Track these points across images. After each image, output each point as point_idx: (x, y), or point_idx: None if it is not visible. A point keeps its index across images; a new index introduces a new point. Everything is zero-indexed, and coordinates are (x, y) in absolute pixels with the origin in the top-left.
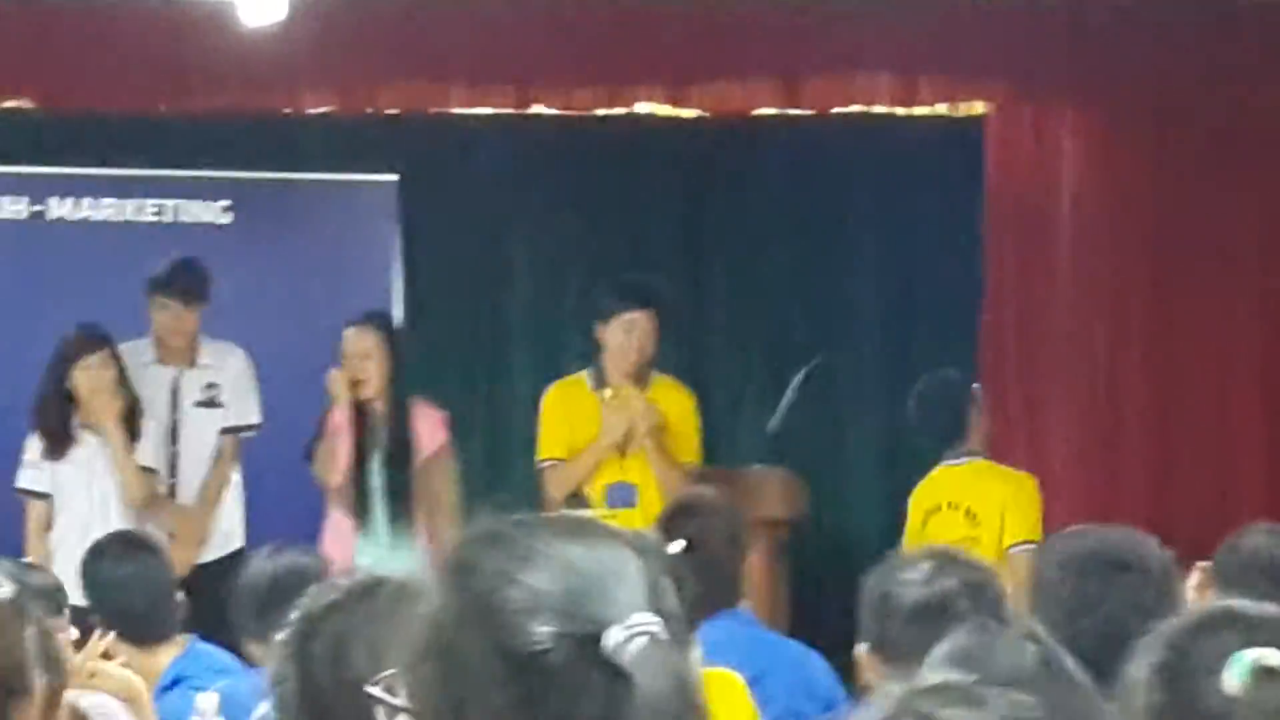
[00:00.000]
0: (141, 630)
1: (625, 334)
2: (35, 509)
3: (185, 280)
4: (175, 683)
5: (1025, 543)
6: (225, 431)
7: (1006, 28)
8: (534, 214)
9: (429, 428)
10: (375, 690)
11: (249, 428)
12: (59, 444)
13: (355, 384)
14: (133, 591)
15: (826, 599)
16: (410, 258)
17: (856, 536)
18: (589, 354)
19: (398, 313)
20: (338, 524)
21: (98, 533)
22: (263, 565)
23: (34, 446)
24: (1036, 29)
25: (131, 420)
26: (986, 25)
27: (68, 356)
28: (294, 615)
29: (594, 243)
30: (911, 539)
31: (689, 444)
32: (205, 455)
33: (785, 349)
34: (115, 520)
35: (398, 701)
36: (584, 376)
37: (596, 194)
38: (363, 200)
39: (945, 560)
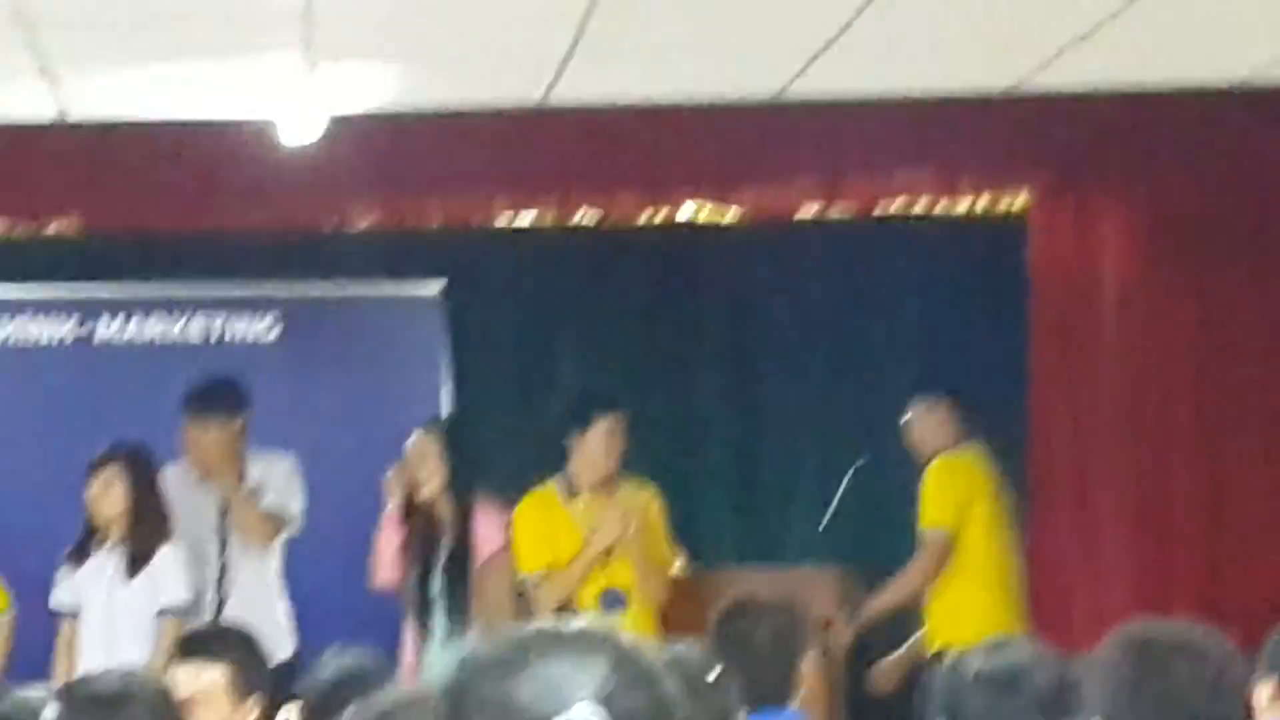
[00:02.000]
0: None
1: (608, 437)
2: (63, 627)
3: (209, 397)
4: None
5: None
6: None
7: (1047, 120)
8: (579, 320)
9: (491, 529)
10: None
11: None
12: (78, 558)
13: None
14: None
15: (884, 698)
16: (457, 366)
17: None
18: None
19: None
20: (410, 629)
21: (105, 644)
22: (328, 664)
23: (65, 565)
24: (1077, 120)
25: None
26: (1026, 118)
27: (87, 471)
28: None
29: (639, 347)
30: None
31: (661, 541)
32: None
33: (833, 449)
34: (124, 632)
35: None
36: (552, 487)
37: (641, 298)
38: (409, 311)
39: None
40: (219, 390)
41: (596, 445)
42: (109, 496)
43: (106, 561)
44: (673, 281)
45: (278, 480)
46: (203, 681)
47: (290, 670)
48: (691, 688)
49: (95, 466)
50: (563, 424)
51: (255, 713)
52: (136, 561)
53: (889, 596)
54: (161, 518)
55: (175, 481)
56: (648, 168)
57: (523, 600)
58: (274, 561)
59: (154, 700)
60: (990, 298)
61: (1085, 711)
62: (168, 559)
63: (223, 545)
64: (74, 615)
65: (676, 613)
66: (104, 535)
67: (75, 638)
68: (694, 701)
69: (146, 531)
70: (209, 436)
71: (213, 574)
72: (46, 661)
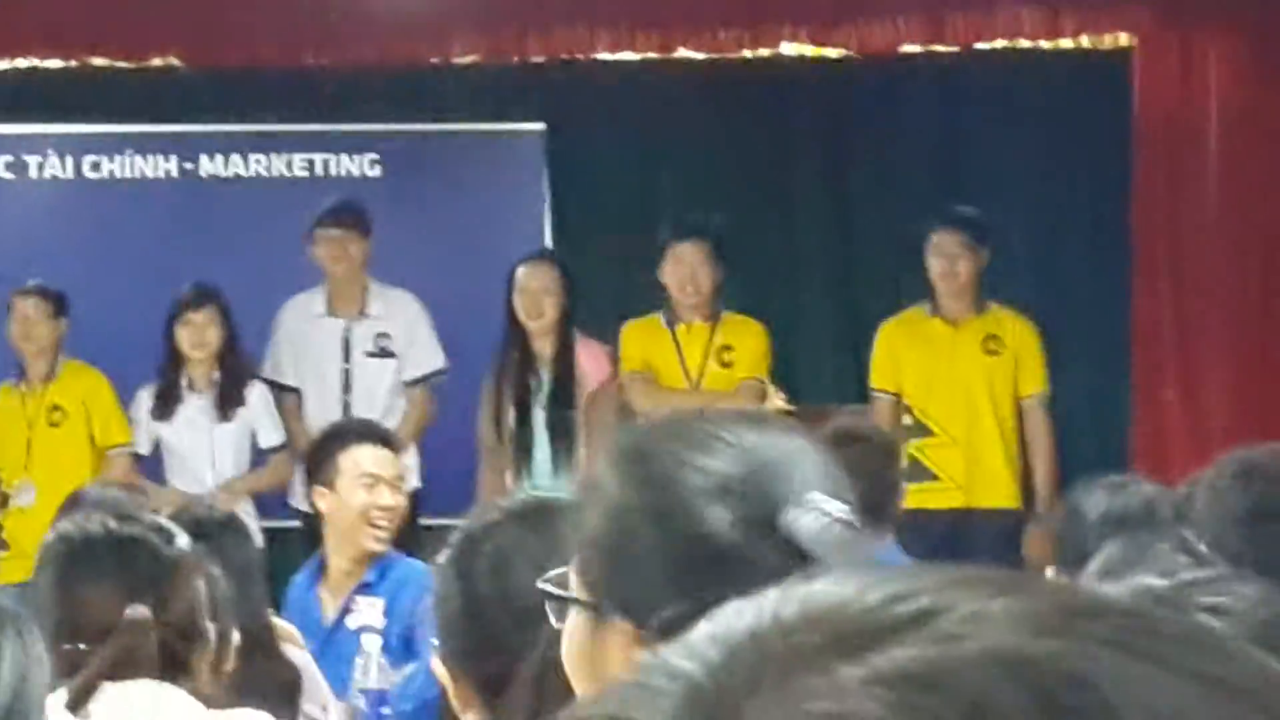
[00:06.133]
0: None
1: (674, 266)
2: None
3: (347, 210)
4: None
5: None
6: (412, 384)
7: None
8: (680, 157)
9: (594, 363)
10: (545, 585)
11: (436, 374)
12: (166, 402)
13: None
14: None
15: None
16: (558, 205)
17: None
18: (731, 294)
19: None
20: (500, 465)
21: (202, 485)
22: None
23: (141, 403)
24: None
25: (235, 383)
26: None
27: (173, 312)
28: (455, 536)
29: (740, 185)
30: None
31: (763, 376)
32: (378, 406)
33: None
34: (213, 480)
35: (568, 594)
36: (655, 317)
37: (742, 136)
38: (510, 149)
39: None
40: (353, 208)
41: (684, 268)
42: (205, 337)
43: (198, 405)
44: (774, 118)
45: (402, 326)
46: (395, 465)
47: (419, 499)
48: None
49: (188, 306)
50: (657, 254)
51: None
52: (228, 403)
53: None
54: (247, 360)
55: (296, 314)
56: (748, 3)
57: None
58: (400, 401)
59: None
60: (1094, 134)
61: (1194, 532)
62: (260, 400)
63: (346, 378)
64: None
65: None
66: (190, 378)
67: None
68: None
69: (238, 374)
70: (340, 246)
71: (337, 407)
72: None
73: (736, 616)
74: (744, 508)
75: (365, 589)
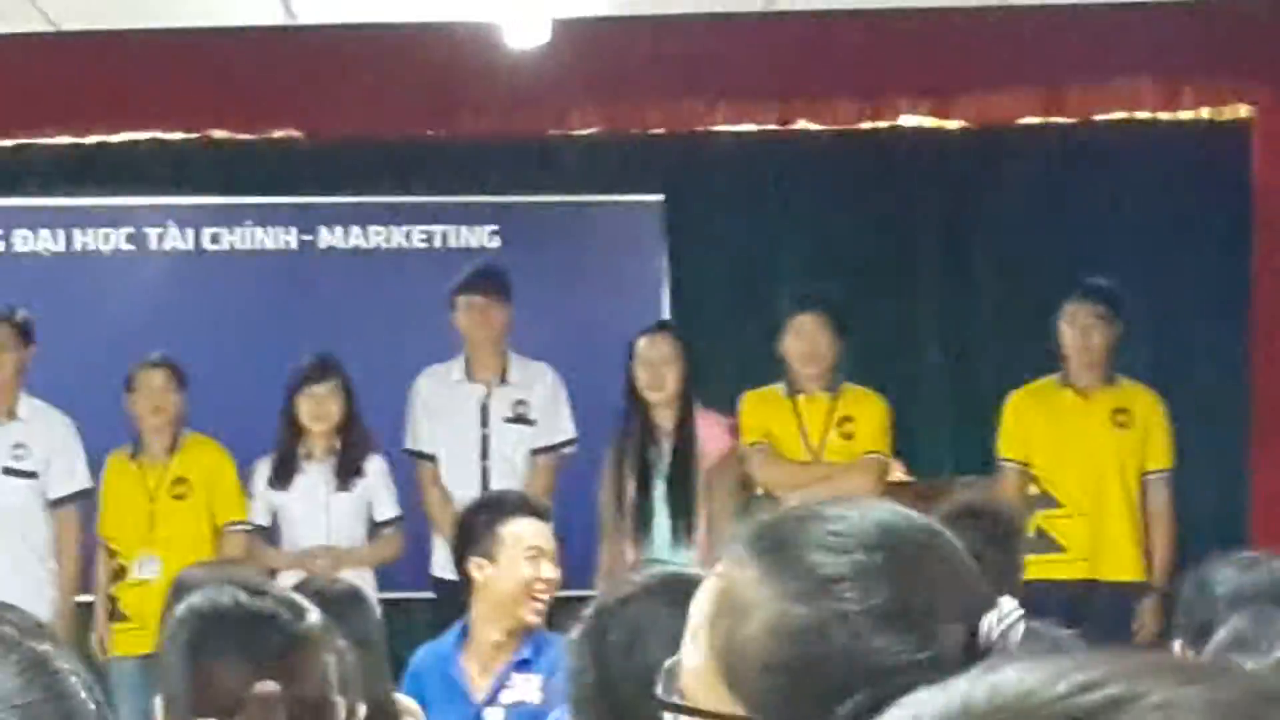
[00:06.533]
0: None
1: (795, 337)
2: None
3: (490, 277)
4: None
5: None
6: (540, 451)
7: (1269, 29)
8: (799, 228)
9: (714, 434)
10: (676, 700)
11: (566, 443)
12: (284, 472)
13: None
14: None
15: None
16: (676, 276)
17: None
18: (851, 365)
19: None
20: (619, 538)
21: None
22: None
23: (259, 474)
24: None
25: (355, 454)
26: (1248, 27)
27: (295, 384)
28: (587, 610)
29: (859, 255)
30: None
31: (883, 448)
32: (515, 471)
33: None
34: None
35: (726, 713)
36: (774, 388)
37: (860, 207)
38: (629, 220)
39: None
40: (495, 274)
41: (805, 339)
42: (326, 409)
43: (317, 475)
44: (892, 188)
45: (539, 395)
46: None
47: None
48: None
49: (310, 379)
50: (776, 325)
51: None
52: (347, 474)
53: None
54: (368, 431)
55: (434, 381)
56: (867, 74)
57: (753, 504)
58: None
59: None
60: (1213, 205)
61: None
62: (378, 472)
63: (483, 443)
64: (259, 531)
65: None
66: (309, 448)
67: (257, 549)
68: None
69: (359, 445)
70: (482, 314)
71: (475, 473)
72: None
73: (927, 703)
74: (913, 632)
75: (524, 665)
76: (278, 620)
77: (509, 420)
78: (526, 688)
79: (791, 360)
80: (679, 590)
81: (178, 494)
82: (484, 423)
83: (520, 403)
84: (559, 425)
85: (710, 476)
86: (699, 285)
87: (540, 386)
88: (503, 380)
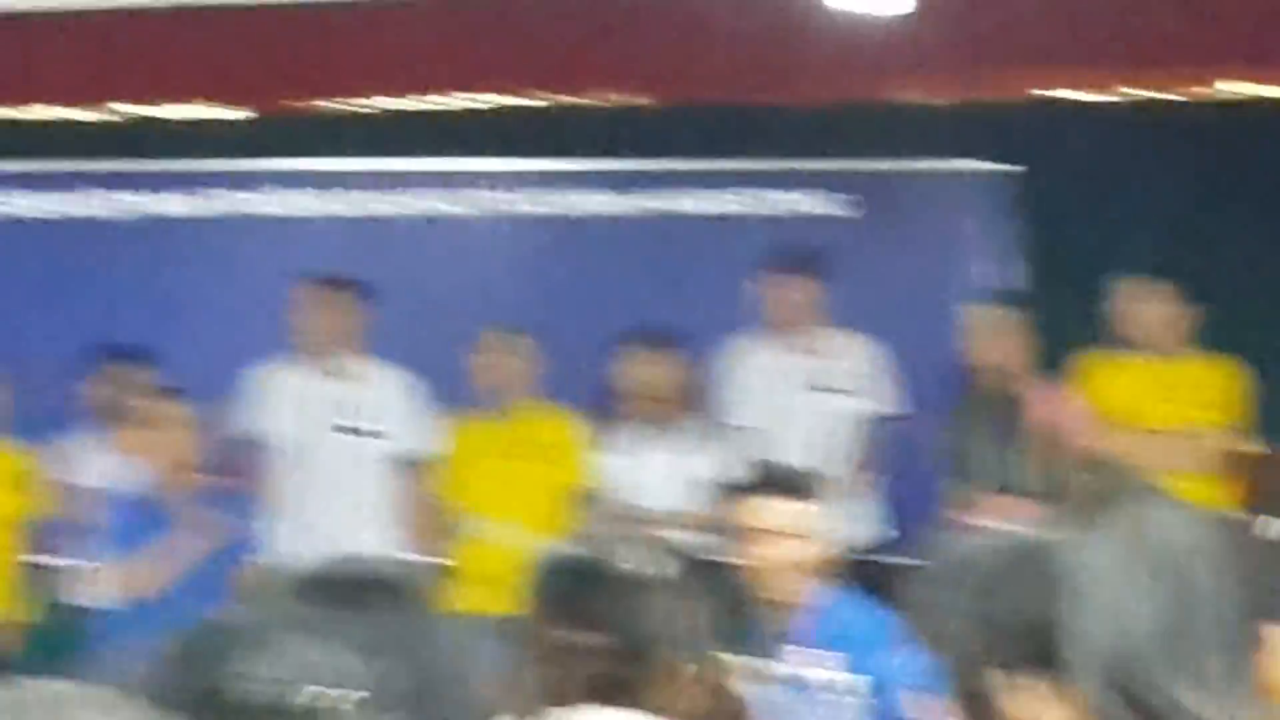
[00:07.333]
0: None
1: (1138, 306)
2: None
3: (799, 254)
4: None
5: None
6: (854, 421)
7: None
8: (1145, 197)
9: (1055, 404)
10: None
11: (888, 416)
12: (614, 437)
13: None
14: None
15: None
16: (1028, 247)
17: None
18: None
19: None
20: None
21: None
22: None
23: (599, 439)
24: None
25: (682, 418)
26: None
27: (624, 350)
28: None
29: (1206, 223)
30: None
31: (1228, 418)
32: (829, 443)
33: None
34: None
35: None
36: (1121, 356)
37: (1205, 175)
38: (976, 190)
39: None
40: (805, 252)
41: (1149, 307)
42: (664, 376)
43: (645, 438)
44: (1236, 154)
45: (853, 365)
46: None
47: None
48: None
49: (648, 345)
50: (1119, 294)
51: None
52: (674, 438)
53: None
54: (695, 397)
55: (743, 352)
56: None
57: (1095, 472)
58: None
59: None
60: None
61: None
62: (703, 437)
63: (792, 415)
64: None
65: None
66: (637, 411)
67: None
68: None
69: (686, 410)
70: (799, 293)
71: (787, 443)
72: None
73: None
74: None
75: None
76: (625, 573)
77: (815, 389)
78: (830, 662)
79: (1133, 328)
80: (1025, 553)
81: (522, 455)
82: (794, 393)
83: (830, 373)
84: (878, 395)
85: (1050, 445)
86: (1042, 254)
87: (854, 357)
88: (812, 351)
